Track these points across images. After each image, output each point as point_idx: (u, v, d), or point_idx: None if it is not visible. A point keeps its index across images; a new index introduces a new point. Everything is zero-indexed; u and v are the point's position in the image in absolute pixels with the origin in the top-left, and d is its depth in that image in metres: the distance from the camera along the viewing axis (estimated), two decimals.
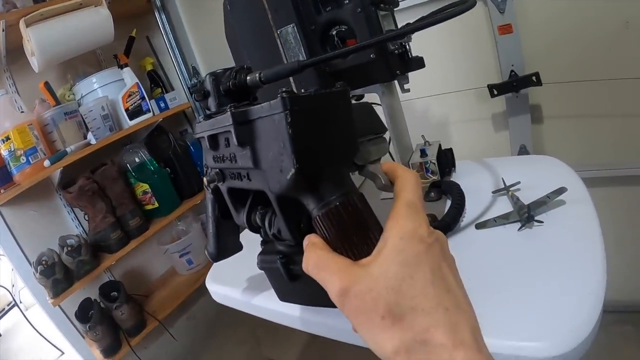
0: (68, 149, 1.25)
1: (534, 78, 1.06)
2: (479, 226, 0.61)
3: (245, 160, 0.33)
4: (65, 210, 1.43)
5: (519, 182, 0.69)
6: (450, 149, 0.82)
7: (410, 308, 0.23)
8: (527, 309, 0.43)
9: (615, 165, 1.05)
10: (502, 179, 0.70)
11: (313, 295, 0.43)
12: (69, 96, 1.39)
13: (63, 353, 1.98)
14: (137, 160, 1.52)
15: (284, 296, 0.47)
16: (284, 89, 0.29)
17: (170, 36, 1.72)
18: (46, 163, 1.20)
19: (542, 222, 0.57)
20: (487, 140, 1.23)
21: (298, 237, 0.34)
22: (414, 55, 0.73)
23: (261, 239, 0.44)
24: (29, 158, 1.22)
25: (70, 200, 1.32)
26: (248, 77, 0.40)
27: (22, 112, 1.24)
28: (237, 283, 0.68)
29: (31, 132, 1.22)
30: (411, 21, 0.55)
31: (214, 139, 0.38)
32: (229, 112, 0.32)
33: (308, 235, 0.30)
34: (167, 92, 1.70)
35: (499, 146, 1.21)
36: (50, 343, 1.97)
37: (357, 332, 0.25)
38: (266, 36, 0.70)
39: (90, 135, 1.35)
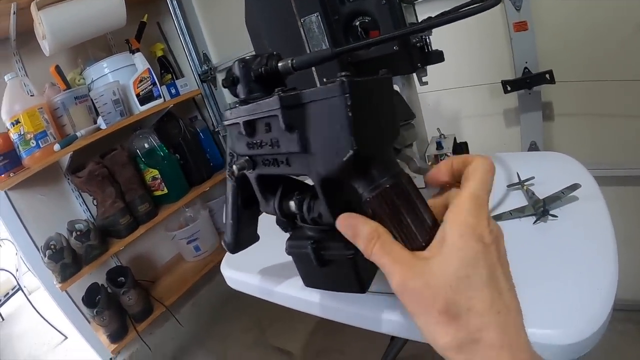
0: (78, 134, 1.25)
1: (547, 76, 1.06)
2: (495, 218, 0.62)
3: (291, 145, 0.34)
4: (74, 195, 1.44)
5: (533, 177, 0.70)
6: (465, 143, 0.83)
7: (466, 309, 0.24)
8: (542, 299, 0.43)
9: (625, 165, 1.05)
10: (517, 173, 0.71)
11: (340, 281, 0.44)
12: (79, 80, 1.39)
13: (66, 338, 1.99)
14: (146, 145, 1.52)
15: (309, 282, 0.47)
16: (342, 73, 0.29)
17: (182, 22, 1.70)
18: (56, 147, 1.20)
19: (556, 216, 0.58)
20: (498, 136, 1.23)
21: (333, 221, 0.35)
22: (433, 48, 0.73)
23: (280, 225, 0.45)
24: (39, 142, 1.21)
25: (79, 184, 1.32)
26: (280, 64, 0.40)
27: (32, 95, 1.23)
28: (253, 269, 0.68)
29: (41, 116, 1.22)
30: (432, 14, 0.56)
31: (251, 125, 0.38)
32: (276, 96, 0.33)
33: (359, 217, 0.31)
34: (177, 78, 1.70)
35: (509, 142, 1.22)
36: (54, 328, 1.98)
37: (412, 320, 0.26)
38: (289, 24, 0.70)
39: (100, 120, 1.34)
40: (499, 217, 0.62)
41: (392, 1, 0.64)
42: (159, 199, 1.54)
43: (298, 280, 0.62)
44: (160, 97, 1.49)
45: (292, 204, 0.41)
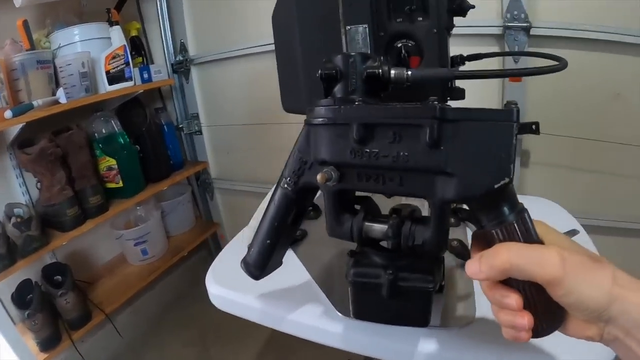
0: (35, 103, 1.07)
1: (533, 126, 1.14)
2: None
3: (428, 162, 0.31)
4: (14, 173, 1.22)
5: None
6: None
7: (597, 257, 0.30)
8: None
9: (587, 215, 1.16)
10: None
11: (406, 314, 0.41)
12: (44, 43, 1.20)
13: None
14: (104, 131, 1.36)
15: (364, 314, 0.43)
16: (508, 101, 0.29)
17: (164, 3, 1.58)
18: (7, 114, 1.01)
19: None
20: None
21: (445, 250, 0.36)
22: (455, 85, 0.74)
23: None
24: None
25: (25, 163, 1.12)
26: (393, 71, 0.36)
27: None
28: (248, 288, 0.59)
29: None
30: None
31: (370, 130, 0.33)
32: (433, 105, 0.30)
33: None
34: (147, 63, 1.56)
35: None
36: None
37: (569, 294, 0.29)
38: (330, 29, 0.66)
39: (60, 92, 1.17)
40: None
41: (442, 31, 0.63)
42: (112, 193, 1.38)
43: (312, 307, 0.56)
44: (131, 80, 1.35)
45: (378, 227, 0.37)
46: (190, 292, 1.72)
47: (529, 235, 0.31)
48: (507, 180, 0.29)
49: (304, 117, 0.64)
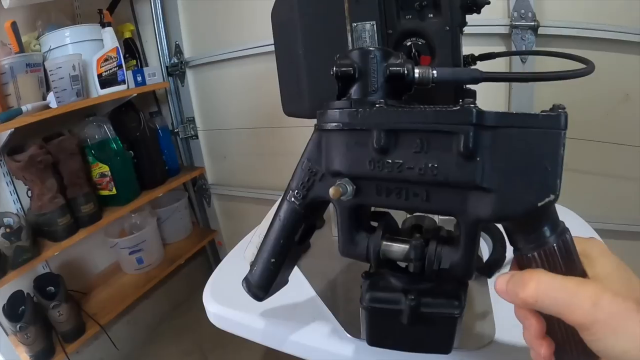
0: (24, 108, 1.03)
1: None
2: None
3: (460, 174, 0.27)
4: (4, 180, 1.18)
5: None
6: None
7: None
8: None
9: (596, 219, 1.13)
10: None
11: (427, 341, 0.37)
12: (34, 46, 1.16)
13: None
14: (97, 136, 1.31)
15: (376, 340, 0.39)
16: (557, 105, 0.26)
17: (158, 5, 1.53)
18: None
19: None
20: None
21: (472, 274, 0.31)
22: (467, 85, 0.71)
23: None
24: None
25: (15, 170, 1.07)
26: (418, 70, 0.32)
27: None
28: (250, 307, 0.55)
29: None
30: None
31: (394, 138, 0.29)
32: (469, 108, 0.26)
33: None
34: (141, 66, 1.52)
35: None
36: None
37: (598, 342, 0.24)
38: (335, 27, 0.63)
39: (51, 97, 1.13)
40: None
41: (454, 29, 0.60)
42: (105, 200, 1.33)
43: (319, 327, 0.53)
44: (124, 83, 1.30)
45: (399, 247, 0.33)
46: (187, 300, 1.69)
47: (570, 262, 0.27)
48: (552, 197, 0.25)
49: (304, 120, 0.61)
